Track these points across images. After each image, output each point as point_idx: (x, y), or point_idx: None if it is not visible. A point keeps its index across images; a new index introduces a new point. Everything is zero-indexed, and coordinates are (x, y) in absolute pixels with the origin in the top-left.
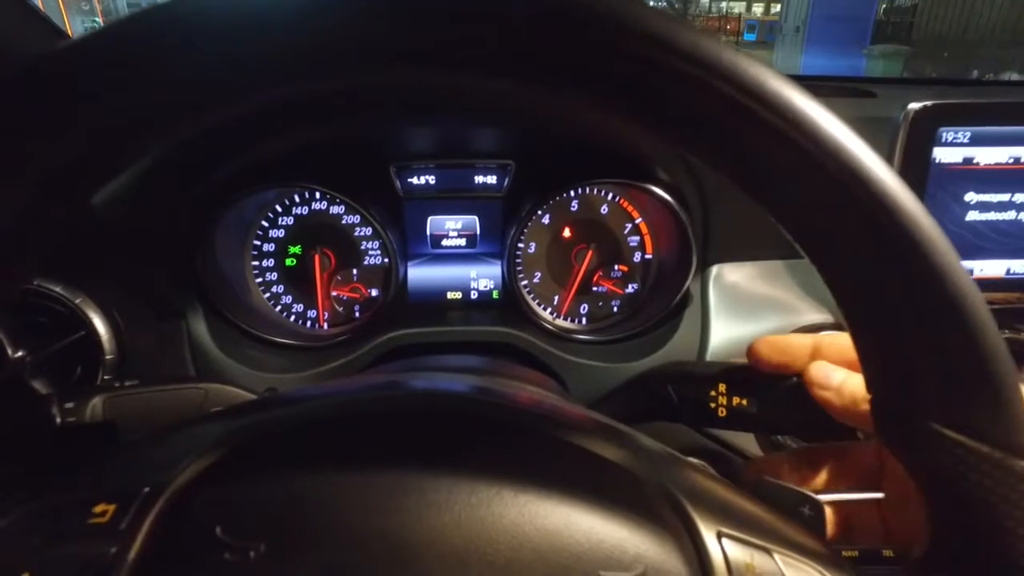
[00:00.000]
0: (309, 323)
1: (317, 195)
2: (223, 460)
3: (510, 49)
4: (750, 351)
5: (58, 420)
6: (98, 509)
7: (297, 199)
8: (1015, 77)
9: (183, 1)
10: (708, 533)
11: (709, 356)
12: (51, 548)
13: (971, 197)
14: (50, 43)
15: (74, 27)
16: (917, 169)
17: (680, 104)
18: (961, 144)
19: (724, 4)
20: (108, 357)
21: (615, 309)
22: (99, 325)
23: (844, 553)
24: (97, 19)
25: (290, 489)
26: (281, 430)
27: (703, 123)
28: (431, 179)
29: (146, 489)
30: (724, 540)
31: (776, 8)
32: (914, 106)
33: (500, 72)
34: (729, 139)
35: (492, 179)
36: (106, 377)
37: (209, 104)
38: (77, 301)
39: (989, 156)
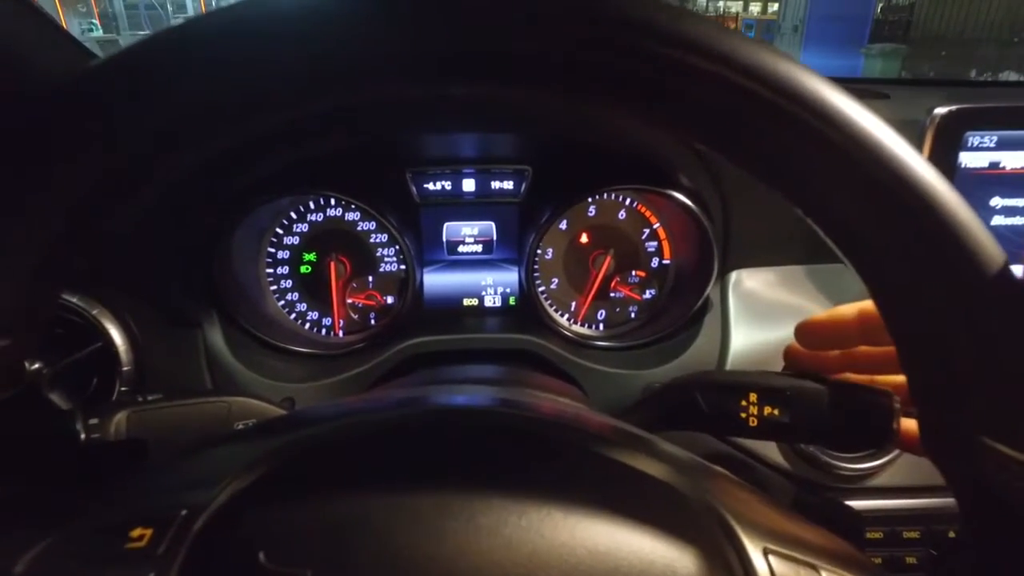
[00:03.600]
0: (325, 331)
1: (332, 201)
2: (261, 481)
3: (599, 70)
4: (797, 339)
5: (83, 436)
6: (135, 533)
7: (312, 205)
8: (1013, 76)
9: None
10: (754, 550)
11: (730, 363)
12: (88, 574)
13: (996, 202)
14: (79, 62)
15: (71, 29)
16: (943, 174)
17: (751, 130)
18: (987, 148)
19: (721, 3)
20: (125, 368)
21: (633, 315)
22: (116, 336)
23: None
24: (94, 21)
25: (334, 513)
26: (319, 450)
27: (758, 138)
28: (447, 185)
29: (183, 512)
30: (770, 557)
31: (773, 7)
32: (940, 111)
33: (577, 90)
34: (786, 155)
35: (509, 185)
36: (123, 388)
37: (263, 112)
38: (94, 312)
39: (1015, 160)
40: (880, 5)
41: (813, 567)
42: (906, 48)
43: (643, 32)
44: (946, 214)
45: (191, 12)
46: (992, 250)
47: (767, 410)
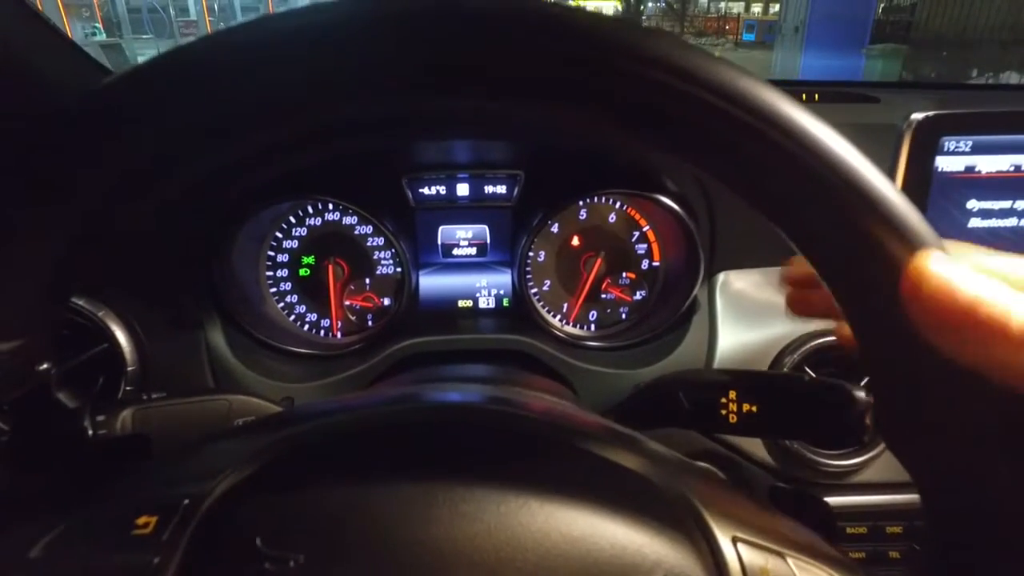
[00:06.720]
0: (323, 332)
1: (330, 206)
2: (259, 472)
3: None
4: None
5: (90, 432)
6: (140, 521)
7: (310, 210)
8: (1015, 77)
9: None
10: (724, 538)
11: (717, 362)
12: (96, 559)
13: (973, 205)
14: (80, 67)
15: (75, 33)
16: (920, 178)
17: (713, 136)
18: (963, 153)
19: (723, 4)
20: (130, 368)
21: (623, 316)
22: (120, 337)
23: (851, 555)
24: (97, 25)
25: (327, 501)
26: (314, 443)
27: (719, 146)
28: (442, 189)
29: (186, 501)
30: (739, 545)
31: (775, 8)
32: (916, 116)
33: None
34: (743, 161)
35: (502, 189)
36: (128, 388)
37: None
38: (100, 314)
39: (990, 164)
40: (881, 6)
41: (780, 555)
42: (907, 48)
43: (581, 40)
44: (884, 203)
45: (193, 16)
46: (929, 238)
47: (745, 407)
